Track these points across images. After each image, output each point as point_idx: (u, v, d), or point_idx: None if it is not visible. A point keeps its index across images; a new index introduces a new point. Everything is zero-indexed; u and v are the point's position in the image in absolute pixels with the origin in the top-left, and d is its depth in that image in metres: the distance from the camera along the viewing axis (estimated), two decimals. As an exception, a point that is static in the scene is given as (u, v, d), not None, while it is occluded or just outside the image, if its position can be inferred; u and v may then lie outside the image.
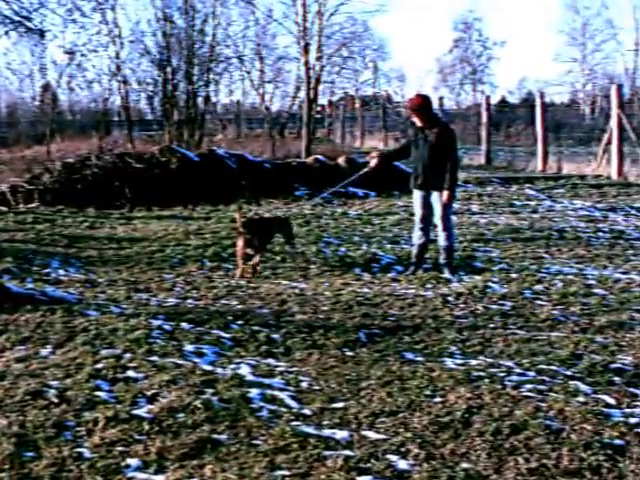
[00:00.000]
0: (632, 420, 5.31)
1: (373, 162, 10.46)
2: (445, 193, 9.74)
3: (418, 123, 9.90)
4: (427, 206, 9.97)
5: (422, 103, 9.93)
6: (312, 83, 28.40)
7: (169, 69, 28.44)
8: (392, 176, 19.06)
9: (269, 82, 37.72)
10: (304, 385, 6.03)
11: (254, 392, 5.81)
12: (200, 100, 29.69)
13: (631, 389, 5.91)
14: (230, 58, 31.74)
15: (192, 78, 28.65)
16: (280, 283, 9.54)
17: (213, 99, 35.26)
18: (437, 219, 9.94)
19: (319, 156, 20.46)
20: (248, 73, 36.48)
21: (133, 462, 4.74)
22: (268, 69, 37.56)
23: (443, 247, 10.02)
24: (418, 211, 10.08)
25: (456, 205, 15.55)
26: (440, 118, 10.89)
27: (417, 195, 10.05)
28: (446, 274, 9.80)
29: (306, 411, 5.51)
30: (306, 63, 27.82)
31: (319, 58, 28.69)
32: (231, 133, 38.35)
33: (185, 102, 28.77)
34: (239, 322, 7.62)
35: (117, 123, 38.52)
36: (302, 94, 31.09)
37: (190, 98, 28.69)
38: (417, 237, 10.15)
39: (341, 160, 19.75)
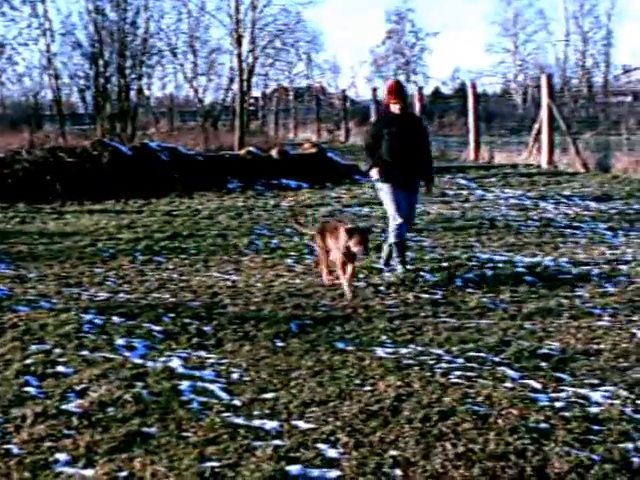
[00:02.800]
0: (558, 404, 5.41)
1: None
2: (428, 182, 9.51)
3: (396, 110, 9.21)
4: (405, 198, 9.21)
5: (402, 87, 9.45)
6: (245, 75, 28.31)
7: (101, 62, 28.21)
8: (325, 167, 19.16)
9: (202, 75, 37.68)
10: (235, 376, 6.04)
11: (185, 384, 5.80)
12: (133, 93, 29.54)
13: (557, 374, 6.01)
14: (163, 51, 31.62)
15: (124, 71, 28.45)
16: (212, 275, 9.52)
17: (146, 92, 35.06)
18: (406, 211, 9.25)
19: (252, 148, 20.43)
20: (181, 66, 36.44)
21: (62, 457, 4.71)
22: (201, 61, 37.50)
23: (403, 240, 9.38)
24: (395, 206, 9.14)
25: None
26: None
27: (393, 189, 9.13)
28: (399, 269, 9.26)
29: (236, 402, 5.52)
30: (239, 55, 27.71)
31: (252, 50, 28.62)
32: (164, 126, 38.03)
33: (117, 95, 28.56)
34: (170, 315, 7.59)
35: (49, 117, 38.10)
36: (235, 86, 31.00)
37: (122, 91, 28.48)
38: (396, 235, 9.19)
39: (274, 152, 19.76)
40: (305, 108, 43.59)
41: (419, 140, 9.41)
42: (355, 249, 8.36)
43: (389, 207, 9.24)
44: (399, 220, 9.13)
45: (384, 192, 9.26)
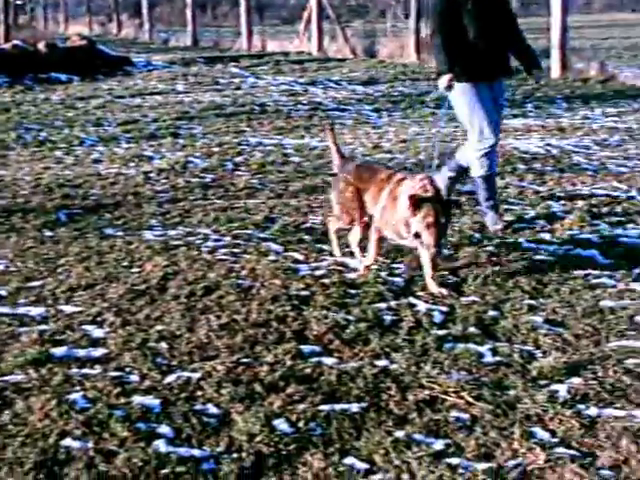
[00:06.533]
0: (318, 272, 5.68)
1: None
2: (533, 66, 6.81)
3: None
4: (494, 103, 6.62)
5: None
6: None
7: None
8: (95, 60, 18.63)
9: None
10: (0, 267, 5.93)
11: (-56, 279, 5.66)
12: None
13: (319, 245, 6.28)
14: None
15: None
16: (-25, 171, 9.18)
17: None
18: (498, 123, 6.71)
19: (18, 42, 19.48)
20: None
21: None
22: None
23: (495, 172, 6.86)
24: (485, 117, 6.47)
25: (161, 85, 15.55)
26: None
27: (478, 91, 6.49)
28: (491, 218, 6.70)
29: (2, 292, 5.44)
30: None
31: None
32: None
33: None
34: None
35: None
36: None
37: None
38: (486, 163, 6.60)
39: (41, 45, 18.93)
40: (76, 1, 41.92)
41: (505, 12, 6.77)
42: (423, 234, 5.15)
43: (474, 121, 6.50)
44: (491, 139, 6.51)
45: (465, 99, 6.52)
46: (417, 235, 5.20)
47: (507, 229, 6.63)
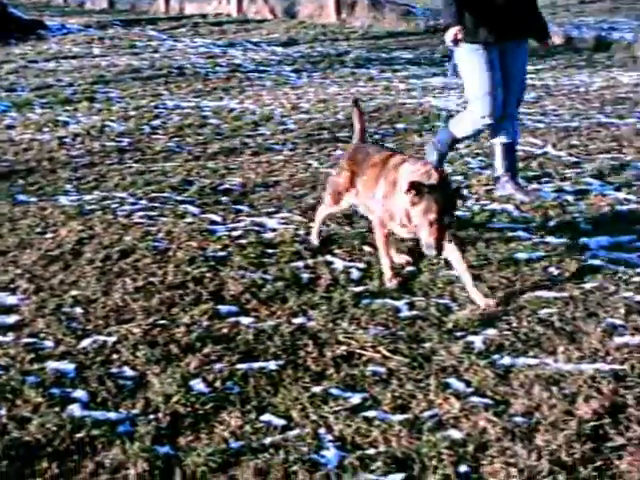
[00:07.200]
0: (235, 233, 5.66)
1: None
2: (543, 33, 6.35)
3: None
4: (509, 68, 6.08)
5: None
6: None
7: None
8: (7, 24, 18.13)
9: None
10: None
11: None
12: None
13: (237, 206, 6.25)
14: None
15: None
16: None
17: None
18: (510, 92, 6.14)
19: None
20: None
21: None
22: None
23: (513, 143, 6.42)
24: (488, 83, 5.94)
25: (76, 49, 15.24)
26: None
27: (487, 53, 5.96)
28: (519, 195, 6.30)
29: None
30: None
31: None
32: None
33: None
34: None
35: None
36: None
37: None
38: (475, 130, 6.27)
39: (-51, 8, 18.36)
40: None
41: None
42: (422, 232, 4.45)
43: (475, 90, 6.01)
44: (488, 118, 6.02)
45: (469, 63, 6.02)
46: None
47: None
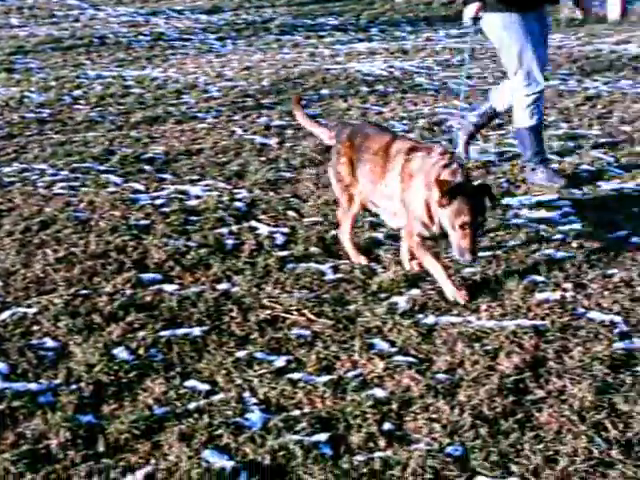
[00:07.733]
0: (158, 202, 5.60)
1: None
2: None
3: None
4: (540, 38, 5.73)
5: None
6: None
7: None
8: None
9: None
10: None
11: None
12: None
13: (160, 175, 6.18)
14: None
15: None
16: None
17: None
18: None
19: None
20: None
21: None
22: None
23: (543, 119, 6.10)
24: (533, 56, 5.61)
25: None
26: None
27: (525, 23, 5.59)
28: (543, 171, 5.89)
29: None
30: None
31: None
32: None
33: None
34: None
35: None
36: None
37: None
38: (536, 110, 5.84)
39: None
40: None
41: None
42: (454, 236, 4.05)
43: (523, 60, 5.62)
44: (540, 82, 5.70)
45: (511, 33, 5.60)
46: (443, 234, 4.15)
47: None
